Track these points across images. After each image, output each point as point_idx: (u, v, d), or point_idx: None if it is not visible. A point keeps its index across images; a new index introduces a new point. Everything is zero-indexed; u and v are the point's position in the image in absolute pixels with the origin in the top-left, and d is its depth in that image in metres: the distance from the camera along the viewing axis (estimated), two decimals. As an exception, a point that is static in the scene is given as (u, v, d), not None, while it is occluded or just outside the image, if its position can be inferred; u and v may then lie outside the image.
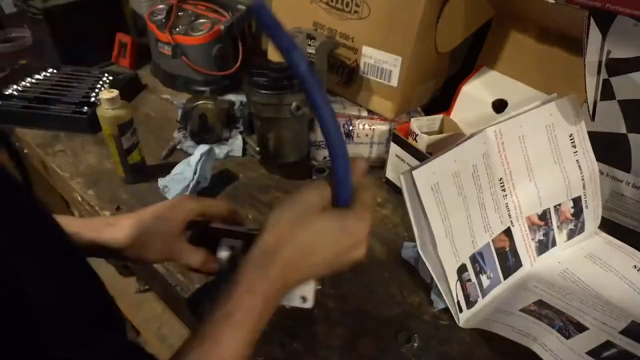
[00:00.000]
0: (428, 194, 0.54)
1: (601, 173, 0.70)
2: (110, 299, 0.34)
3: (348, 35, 0.78)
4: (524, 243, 0.64)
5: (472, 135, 0.58)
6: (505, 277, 0.62)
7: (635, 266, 0.63)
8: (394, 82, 0.77)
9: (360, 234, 0.40)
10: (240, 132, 0.91)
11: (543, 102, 0.63)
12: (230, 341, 0.34)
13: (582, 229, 0.69)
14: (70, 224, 0.47)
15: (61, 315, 0.28)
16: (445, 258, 0.56)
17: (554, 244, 0.67)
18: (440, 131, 0.78)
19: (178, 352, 0.34)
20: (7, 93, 0.96)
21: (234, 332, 0.34)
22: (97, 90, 0.99)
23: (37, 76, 1.03)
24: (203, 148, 0.76)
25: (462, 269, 0.57)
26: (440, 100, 0.90)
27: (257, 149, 0.82)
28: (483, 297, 0.60)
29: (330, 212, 0.39)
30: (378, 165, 0.85)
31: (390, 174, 0.80)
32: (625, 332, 0.53)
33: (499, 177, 0.61)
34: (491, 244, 0.61)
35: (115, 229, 0.48)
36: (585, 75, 0.58)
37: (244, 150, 0.89)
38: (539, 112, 0.63)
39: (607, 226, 0.71)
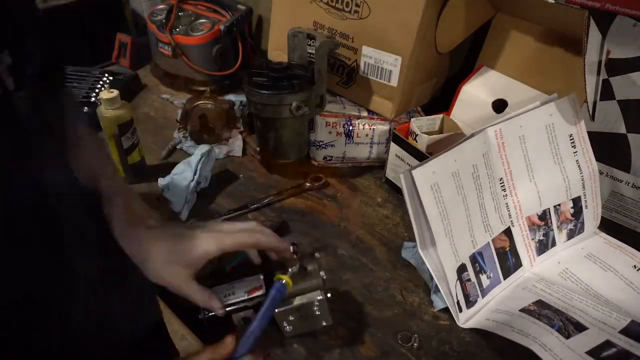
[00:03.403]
0: (428, 194, 0.54)
1: (601, 173, 0.70)
2: None
3: (348, 35, 0.78)
4: (524, 243, 0.64)
5: (472, 135, 0.58)
6: (505, 277, 0.62)
7: (635, 266, 0.63)
8: (394, 82, 0.77)
9: None
10: (240, 132, 0.91)
11: (543, 102, 0.63)
12: None
13: (581, 229, 0.69)
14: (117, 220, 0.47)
15: None
16: (445, 258, 0.56)
17: (553, 244, 0.67)
18: (440, 131, 0.78)
19: None
20: (7, 93, 0.96)
21: None
22: (97, 90, 0.99)
23: (37, 76, 1.03)
24: (203, 148, 0.76)
25: (461, 269, 0.58)
26: (440, 100, 0.90)
27: (257, 149, 0.82)
28: (483, 297, 0.60)
29: None
30: (378, 165, 0.85)
31: (390, 173, 0.80)
32: (624, 331, 0.53)
33: (499, 177, 0.61)
34: (491, 243, 0.61)
35: (145, 271, 0.47)
36: (585, 75, 0.58)
37: (244, 150, 0.89)
38: (539, 112, 0.63)
39: (607, 226, 0.71)
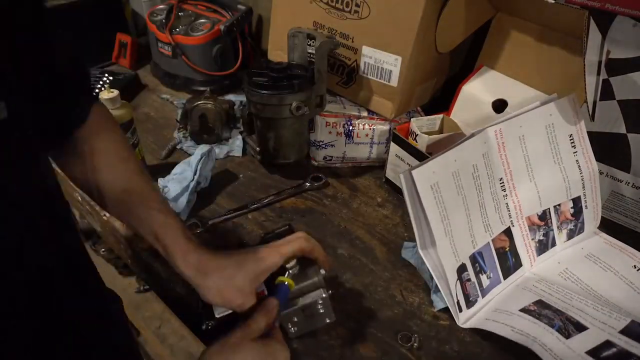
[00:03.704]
0: (428, 194, 0.54)
1: (601, 173, 0.70)
2: None
3: (348, 35, 0.78)
4: (524, 243, 0.64)
5: (472, 135, 0.58)
6: (505, 277, 0.62)
7: (635, 266, 0.63)
8: (394, 82, 0.77)
9: (281, 357, 0.45)
10: (240, 132, 0.91)
11: (543, 102, 0.63)
12: None
13: (581, 229, 0.69)
14: (173, 242, 0.48)
15: None
16: (445, 258, 0.56)
17: (553, 244, 0.67)
18: (440, 131, 0.78)
19: None
20: (7, 93, 0.96)
21: None
22: (97, 90, 0.99)
23: (37, 76, 1.03)
24: (203, 148, 0.76)
25: (461, 269, 0.58)
26: (440, 100, 0.90)
27: (257, 149, 0.82)
28: (483, 296, 0.60)
29: (255, 342, 0.44)
30: (378, 165, 0.85)
31: (390, 174, 0.80)
32: (625, 331, 0.53)
33: (499, 177, 0.61)
34: (491, 243, 0.61)
35: (204, 289, 0.48)
36: (585, 75, 0.58)
37: (244, 150, 0.89)
38: (538, 112, 0.63)
39: (607, 226, 0.71)
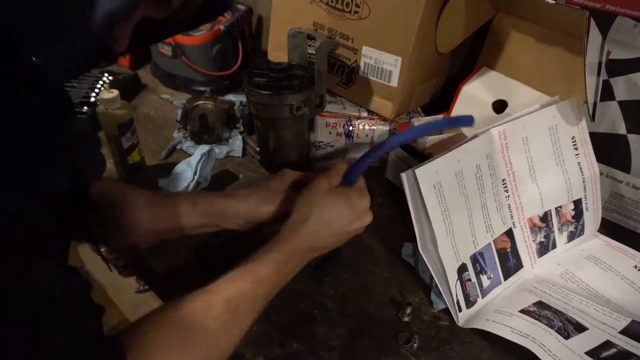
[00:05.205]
0: (430, 193, 0.54)
1: (601, 174, 0.70)
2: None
3: (348, 36, 0.78)
4: (525, 244, 0.64)
5: (476, 135, 0.58)
6: (505, 278, 0.62)
7: (635, 266, 0.63)
8: (394, 82, 0.77)
9: (363, 206, 0.55)
10: (240, 132, 0.91)
11: (546, 104, 0.63)
12: (266, 265, 0.48)
13: (582, 231, 0.69)
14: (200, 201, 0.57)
15: None
16: (446, 257, 0.56)
17: (554, 245, 0.67)
18: (440, 131, 0.78)
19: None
20: (6, 93, 0.96)
21: (269, 262, 0.49)
22: (97, 90, 0.98)
23: (36, 76, 1.03)
24: (203, 148, 0.76)
25: (462, 269, 0.58)
26: (440, 100, 0.90)
27: (257, 149, 0.82)
28: (483, 297, 0.60)
29: (338, 193, 0.54)
30: (378, 166, 0.85)
31: (390, 174, 0.80)
32: (625, 331, 0.53)
33: (501, 178, 0.61)
34: (492, 244, 0.61)
35: (239, 200, 0.58)
36: (585, 75, 0.58)
37: (244, 150, 0.89)
38: (542, 114, 0.63)
39: (607, 227, 0.71)
